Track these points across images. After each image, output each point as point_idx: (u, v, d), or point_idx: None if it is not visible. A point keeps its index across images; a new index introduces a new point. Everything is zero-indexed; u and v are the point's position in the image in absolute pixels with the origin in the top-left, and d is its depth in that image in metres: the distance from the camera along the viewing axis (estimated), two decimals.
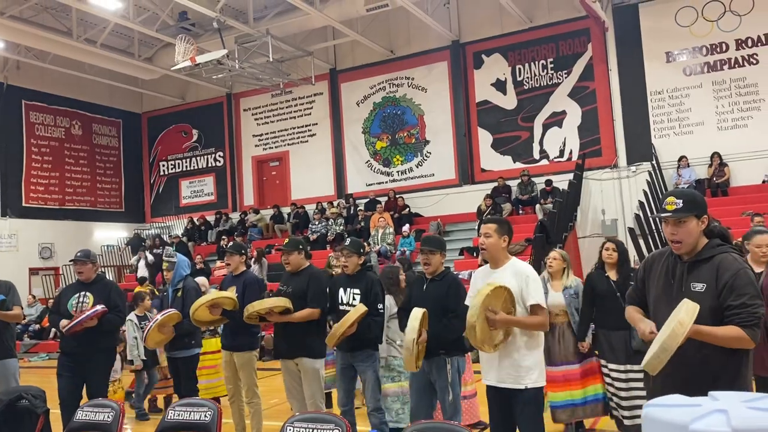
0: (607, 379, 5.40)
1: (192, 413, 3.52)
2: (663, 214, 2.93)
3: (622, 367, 5.23)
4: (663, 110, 14.66)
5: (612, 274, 5.43)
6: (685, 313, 2.62)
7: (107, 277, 6.37)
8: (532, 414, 3.90)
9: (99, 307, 5.49)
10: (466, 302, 4.17)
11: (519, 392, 3.86)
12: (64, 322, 5.50)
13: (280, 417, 6.90)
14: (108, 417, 3.63)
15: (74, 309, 5.58)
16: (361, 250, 5.34)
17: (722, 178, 13.55)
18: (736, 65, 14.11)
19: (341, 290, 5.27)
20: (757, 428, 1.83)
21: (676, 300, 2.77)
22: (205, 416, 3.48)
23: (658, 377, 2.90)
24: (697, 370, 2.81)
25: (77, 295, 5.70)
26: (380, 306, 5.15)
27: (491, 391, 4.02)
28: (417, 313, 4.39)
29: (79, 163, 19.65)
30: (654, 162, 14.05)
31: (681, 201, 2.89)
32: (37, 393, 4.80)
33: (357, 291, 5.16)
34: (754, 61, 13.95)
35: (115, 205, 20.67)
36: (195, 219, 19.36)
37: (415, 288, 4.89)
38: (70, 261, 6.12)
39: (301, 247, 5.49)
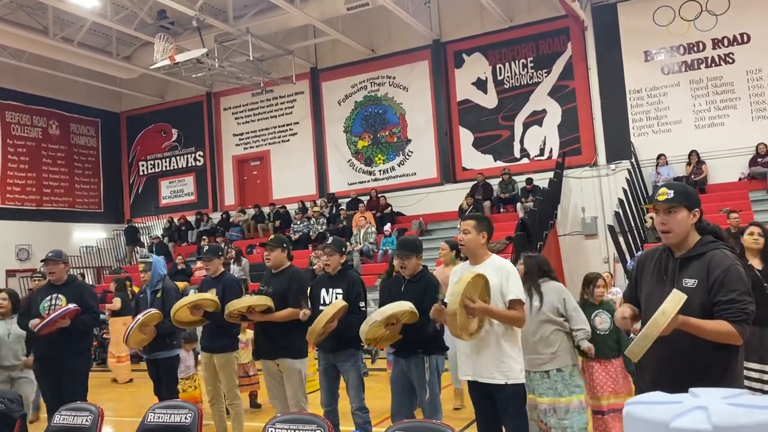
0: (746, 382, 4.72)
1: (173, 415, 3.49)
2: (654, 203, 2.99)
3: None
4: (642, 109, 14.81)
5: (756, 263, 4.87)
6: (669, 303, 2.64)
7: (78, 279, 6.28)
8: (516, 410, 3.93)
9: (71, 306, 5.41)
10: (448, 293, 4.19)
11: (500, 387, 3.89)
12: (35, 321, 5.40)
13: (262, 418, 6.87)
14: (86, 421, 3.58)
15: (47, 312, 5.48)
16: (343, 249, 5.33)
17: (700, 175, 13.70)
18: (713, 64, 14.29)
19: (323, 291, 5.24)
20: (737, 424, 1.85)
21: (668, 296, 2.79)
22: (186, 418, 3.45)
23: (648, 372, 2.93)
24: (687, 365, 2.83)
25: (49, 297, 5.60)
26: (362, 304, 5.13)
27: (472, 386, 4.04)
28: (402, 306, 4.47)
29: (57, 163, 19.37)
30: (633, 160, 14.18)
31: (672, 192, 2.95)
32: (14, 397, 4.72)
33: (339, 291, 5.15)
34: (730, 60, 14.13)
35: (94, 205, 20.42)
36: (175, 219, 19.20)
37: (393, 288, 4.90)
38: (41, 261, 6.00)
39: (285, 245, 5.49)
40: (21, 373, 6.12)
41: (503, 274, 3.95)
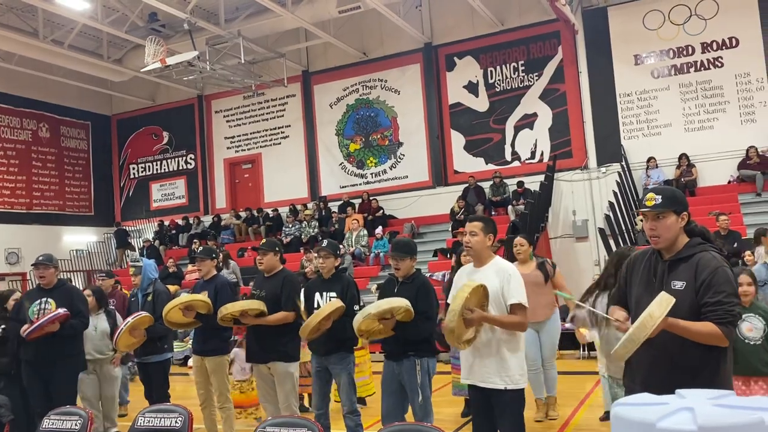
0: None
1: (162, 419, 3.48)
2: (642, 209, 3.00)
3: None
4: (632, 112, 14.89)
5: None
6: (657, 306, 2.65)
7: (68, 283, 6.25)
8: (512, 414, 3.92)
9: (61, 311, 5.39)
10: (447, 301, 4.19)
11: (500, 392, 3.89)
12: (25, 326, 5.38)
13: (255, 421, 6.84)
14: (75, 425, 3.57)
15: (36, 316, 5.45)
16: (338, 252, 5.35)
17: (690, 178, 13.80)
18: (702, 68, 14.39)
19: (317, 294, 5.24)
20: (722, 425, 1.86)
21: None
22: (176, 422, 3.44)
23: (638, 374, 2.95)
24: (677, 367, 2.85)
25: (39, 301, 5.58)
26: (356, 307, 5.14)
27: (473, 390, 4.04)
28: (399, 302, 4.47)
29: (47, 166, 19.27)
30: (623, 163, 14.25)
31: (660, 197, 2.96)
32: (2, 402, 4.70)
33: (333, 294, 5.15)
34: (719, 64, 14.24)
35: (84, 208, 20.32)
36: (166, 222, 19.13)
37: (387, 290, 4.91)
38: (31, 265, 5.99)
39: (277, 248, 5.50)
40: (105, 368, 6.29)
41: (504, 277, 3.93)
